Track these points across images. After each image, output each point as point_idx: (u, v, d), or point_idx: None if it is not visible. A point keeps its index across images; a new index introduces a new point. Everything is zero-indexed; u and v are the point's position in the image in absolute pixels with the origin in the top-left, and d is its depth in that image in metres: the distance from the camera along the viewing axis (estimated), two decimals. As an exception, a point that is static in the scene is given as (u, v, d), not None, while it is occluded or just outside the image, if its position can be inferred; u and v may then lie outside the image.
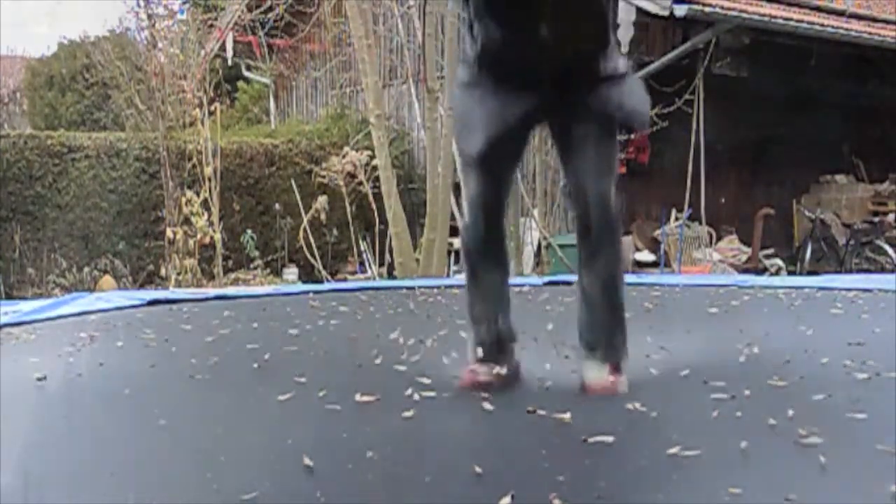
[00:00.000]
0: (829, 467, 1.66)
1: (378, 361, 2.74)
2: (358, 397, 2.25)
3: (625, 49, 7.77)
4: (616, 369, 2.32)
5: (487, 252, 2.42)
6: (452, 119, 2.36)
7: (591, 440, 1.87)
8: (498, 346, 2.41)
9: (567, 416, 2.02)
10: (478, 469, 1.70)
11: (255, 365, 2.76)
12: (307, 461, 1.78)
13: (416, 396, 2.26)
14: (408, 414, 2.12)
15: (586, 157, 2.29)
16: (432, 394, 2.29)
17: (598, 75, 2.30)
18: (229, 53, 12.61)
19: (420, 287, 4.84)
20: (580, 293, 2.40)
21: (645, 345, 2.76)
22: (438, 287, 4.80)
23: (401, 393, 2.28)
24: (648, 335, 2.93)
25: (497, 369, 2.37)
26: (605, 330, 2.36)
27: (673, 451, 1.76)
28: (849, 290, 4.25)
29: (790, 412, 1.99)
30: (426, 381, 2.39)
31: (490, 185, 2.34)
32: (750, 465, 1.73)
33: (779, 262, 10.12)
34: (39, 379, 2.64)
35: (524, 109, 2.28)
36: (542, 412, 2.07)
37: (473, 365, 2.39)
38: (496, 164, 2.32)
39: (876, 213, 11.00)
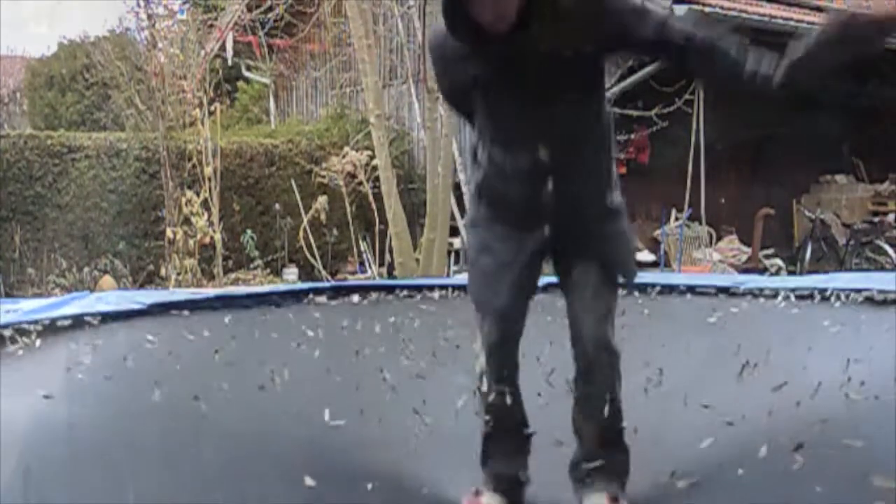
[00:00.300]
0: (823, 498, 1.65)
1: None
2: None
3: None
4: (615, 500, 2.26)
5: (510, 410, 2.34)
6: (466, 270, 2.37)
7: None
8: (510, 483, 2.35)
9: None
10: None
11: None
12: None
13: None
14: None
15: (584, 301, 2.27)
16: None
17: (600, 212, 2.30)
18: (229, 53, 12.60)
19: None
20: (574, 426, 2.34)
21: (641, 367, 2.74)
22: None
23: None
24: (645, 354, 2.90)
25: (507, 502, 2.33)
26: (600, 463, 2.29)
27: (667, 479, 1.74)
28: (847, 291, 4.22)
29: (786, 440, 1.98)
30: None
31: (509, 329, 2.31)
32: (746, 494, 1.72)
33: (779, 262, 10.12)
34: (46, 397, 2.61)
35: (531, 253, 2.27)
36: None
37: (482, 495, 2.33)
38: (513, 308, 2.30)
39: (876, 213, 11.00)
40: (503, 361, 2.31)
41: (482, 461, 2.37)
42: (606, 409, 2.29)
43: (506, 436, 2.36)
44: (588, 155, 2.27)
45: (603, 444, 2.30)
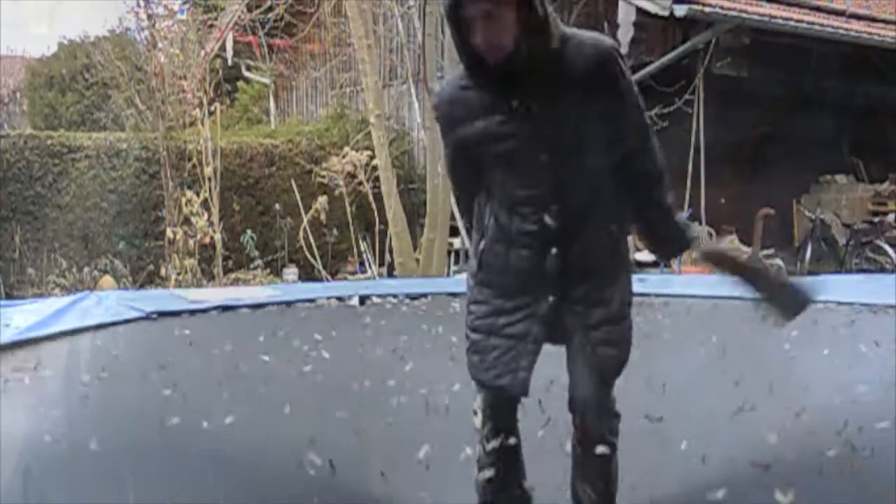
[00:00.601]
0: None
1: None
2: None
3: (624, 50, 7.76)
4: None
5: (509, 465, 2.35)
6: (467, 350, 2.30)
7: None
8: None
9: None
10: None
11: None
12: None
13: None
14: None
15: (582, 370, 2.25)
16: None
17: (607, 292, 2.25)
18: (229, 53, 12.59)
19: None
20: (571, 487, 2.35)
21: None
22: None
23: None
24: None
25: None
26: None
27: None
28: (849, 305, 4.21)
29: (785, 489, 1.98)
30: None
31: (508, 400, 2.30)
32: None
33: (779, 262, 10.11)
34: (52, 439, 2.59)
35: (532, 329, 2.21)
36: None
37: None
38: (512, 384, 2.24)
39: (876, 213, 10.99)
40: (502, 424, 2.31)
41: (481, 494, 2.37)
42: (604, 475, 2.31)
43: (505, 485, 2.36)
44: (596, 225, 2.22)
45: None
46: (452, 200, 8.64)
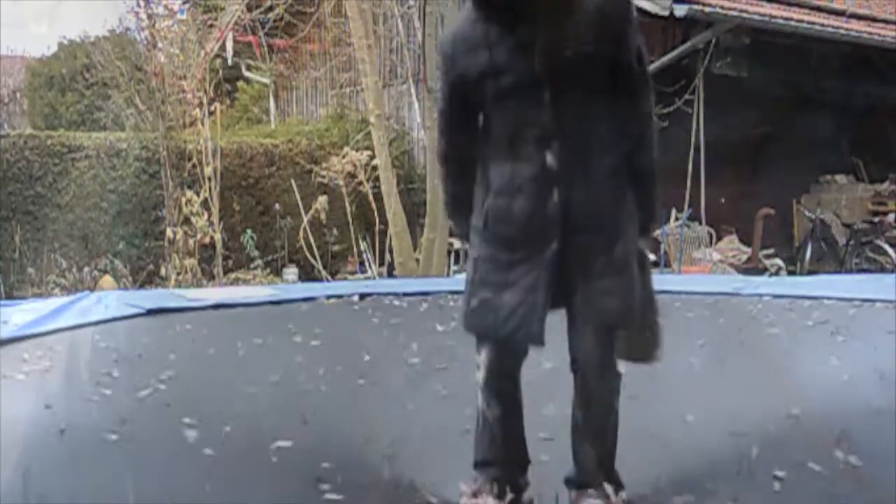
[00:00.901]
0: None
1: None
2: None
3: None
4: None
5: (506, 403, 2.35)
6: (474, 308, 2.28)
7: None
8: (509, 484, 2.33)
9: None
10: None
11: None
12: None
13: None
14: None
15: (585, 322, 2.24)
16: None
17: (609, 241, 2.23)
18: (229, 53, 12.60)
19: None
20: (573, 447, 2.34)
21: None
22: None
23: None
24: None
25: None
26: (596, 471, 2.30)
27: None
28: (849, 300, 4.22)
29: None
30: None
31: (511, 356, 2.28)
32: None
33: (779, 262, 10.11)
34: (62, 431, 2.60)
35: (536, 279, 2.19)
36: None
37: (480, 497, 2.32)
38: (517, 336, 2.23)
39: (876, 213, 10.99)
40: (503, 383, 2.31)
41: (481, 468, 2.36)
42: (605, 435, 2.30)
43: (504, 447, 2.35)
44: (598, 169, 2.21)
45: (601, 466, 2.30)
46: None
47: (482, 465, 2.36)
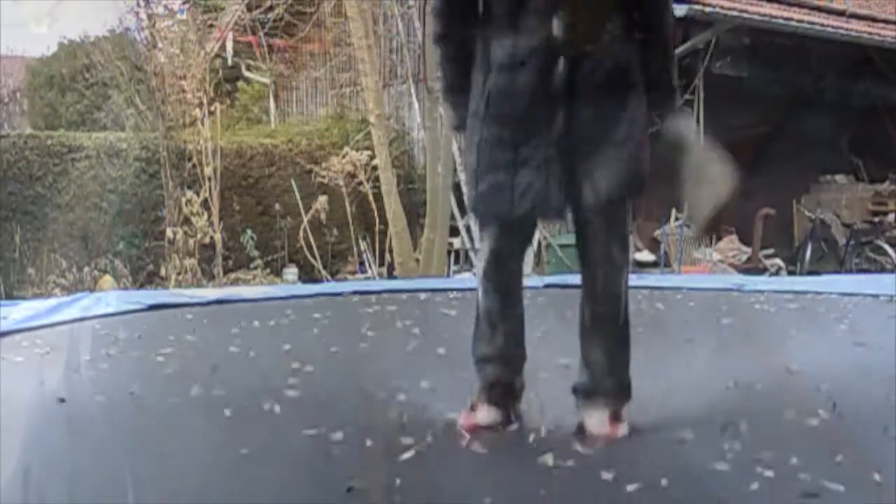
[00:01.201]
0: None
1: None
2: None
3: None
4: (616, 417, 2.23)
5: (505, 301, 2.30)
6: (465, 174, 2.25)
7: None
8: (505, 391, 2.31)
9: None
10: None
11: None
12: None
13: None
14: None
15: (592, 214, 2.20)
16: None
17: (614, 113, 2.19)
18: (229, 53, 12.59)
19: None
20: (581, 351, 2.29)
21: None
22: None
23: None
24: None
25: (502, 414, 2.29)
26: (605, 386, 2.25)
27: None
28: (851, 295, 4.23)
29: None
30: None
31: (514, 239, 2.25)
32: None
33: (779, 262, 10.12)
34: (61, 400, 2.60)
35: (541, 158, 2.15)
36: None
37: (477, 409, 2.30)
38: (521, 215, 2.20)
39: (876, 213, 10.99)
40: (504, 273, 2.25)
41: (477, 367, 2.32)
42: (615, 335, 2.23)
43: (502, 341, 2.30)
44: (605, 38, 2.15)
45: (609, 369, 2.25)
46: (452, 200, 8.65)
47: (480, 362, 2.31)
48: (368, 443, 2.16)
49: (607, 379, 2.25)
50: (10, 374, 2.85)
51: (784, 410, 2.37)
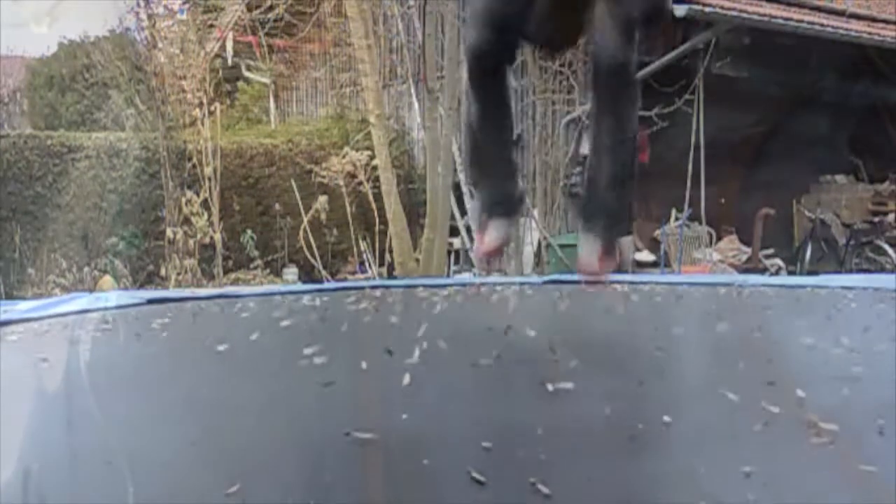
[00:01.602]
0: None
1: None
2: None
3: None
4: (607, 251, 2.16)
5: (493, 94, 2.17)
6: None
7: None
8: (507, 203, 2.24)
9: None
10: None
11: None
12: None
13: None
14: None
15: (609, 32, 2.05)
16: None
17: None
18: (229, 53, 12.59)
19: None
20: (587, 160, 2.22)
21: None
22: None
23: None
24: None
25: (507, 231, 2.23)
26: (604, 203, 2.17)
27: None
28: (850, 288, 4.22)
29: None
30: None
31: (500, 36, 2.12)
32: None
33: (779, 262, 10.13)
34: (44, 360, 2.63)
35: None
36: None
37: (486, 230, 2.23)
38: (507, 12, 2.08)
39: (876, 213, 11.00)
40: (490, 78, 2.15)
41: (475, 187, 2.28)
42: (620, 150, 2.14)
43: (495, 156, 2.23)
44: None
45: (605, 203, 2.18)
46: (452, 200, 8.65)
47: (475, 183, 2.29)
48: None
49: (602, 212, 2.18)
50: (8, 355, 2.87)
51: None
